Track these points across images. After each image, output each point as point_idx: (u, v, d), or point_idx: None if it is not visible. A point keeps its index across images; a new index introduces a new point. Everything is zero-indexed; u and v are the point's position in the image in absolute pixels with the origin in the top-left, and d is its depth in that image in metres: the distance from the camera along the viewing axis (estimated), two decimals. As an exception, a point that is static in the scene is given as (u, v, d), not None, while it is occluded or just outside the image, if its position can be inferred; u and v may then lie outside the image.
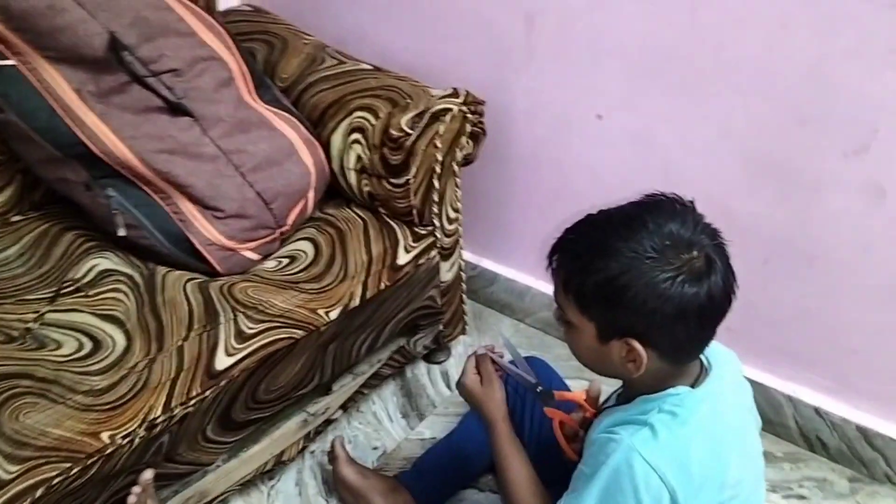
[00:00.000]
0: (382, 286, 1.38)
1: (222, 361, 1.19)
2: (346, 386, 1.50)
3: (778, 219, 1.33)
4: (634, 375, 0.92)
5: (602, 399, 1.20)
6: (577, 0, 1.36)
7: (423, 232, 1.47)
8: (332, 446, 1.41)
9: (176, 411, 1.13)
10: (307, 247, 1.42)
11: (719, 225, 0.90)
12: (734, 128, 1.30)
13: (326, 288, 1.33)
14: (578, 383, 1.38)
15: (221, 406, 1.23)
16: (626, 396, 1.02)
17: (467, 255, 1.69)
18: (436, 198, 1.44)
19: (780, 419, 1.49)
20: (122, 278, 1.30)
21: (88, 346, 1.16)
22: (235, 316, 1.24)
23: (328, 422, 1.50)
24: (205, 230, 1.34)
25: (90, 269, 1.31)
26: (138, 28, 1.30)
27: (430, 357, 1.70)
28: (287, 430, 1.42)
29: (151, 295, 1.27)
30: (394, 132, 1.40)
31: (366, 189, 1.47)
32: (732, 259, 0.90)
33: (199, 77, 1.36)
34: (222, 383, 1.19)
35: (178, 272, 1.35)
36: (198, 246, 1.34)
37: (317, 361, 1.36)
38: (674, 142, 1.38)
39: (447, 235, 1.51)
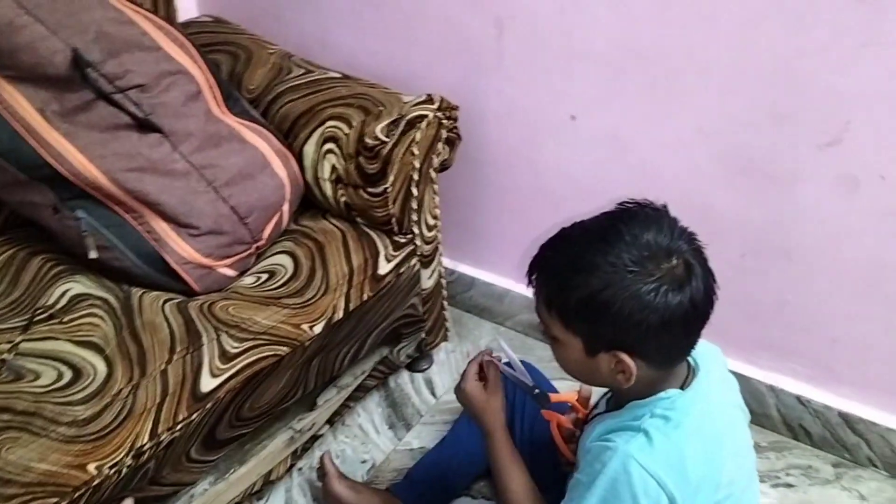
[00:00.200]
0: (365, 297, 1.37)
1: (208, 383, 1.16)
2: (330, 400, 1.48)
3: (754, 213, 1.35)
4: (625, 386, 0.92)
5: (591, 402, 1.20)
6: (547, 3, 1.36)
7: (403, 240, 1.45)
8: (321, 462, 1.39)
9: (163, 437, 1.10)
10: (286, 261, 1.39)
11: (697, 221, 0.91)
12: (708, 125, 1.31)
13: (309, 302, 1.31)
14: (563, 384, 1.38)
15: (207, 427, 1.20)
16: (616, 402, 1.02)
17: (444, 261, 1.68)
18: (414, 205, 1.43)
19: (763, 409, 1.51)
20: (97, 302, 1.26)
21: (68, 374, 1.12)
22: (218, 335, 1.21)
23: (314, 438, 1.48)
24: (180, 248, 1.31)
25: (62, 295, 1.27)
26: (102, 44, 1.26)
27: (412, 366, 1.69)
28: (274, 449, 1.39)
29: (129, 318, 1.23)
30: (369, 141, 1.38)
31: (342, 199, 1.45)
32: (711, 255, 0.90)
33: (167, 92, 1.32)
34: (208, 405, 1.16)
35: (154, 293, 1.31)
36: (173, 265, 1.31)
37: (301, 376, 1.34)
38: (648, 141, 1.39)
39: (427, 243, 1.50)
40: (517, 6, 1.40)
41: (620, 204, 0.92)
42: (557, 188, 1.55)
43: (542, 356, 1.66)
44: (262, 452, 1.38)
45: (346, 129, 1.42)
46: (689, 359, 0.98)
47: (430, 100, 1.38)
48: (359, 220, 1.47)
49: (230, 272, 1.37)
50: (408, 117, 1.36)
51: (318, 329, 1.29)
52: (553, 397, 1.25)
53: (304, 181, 1.48)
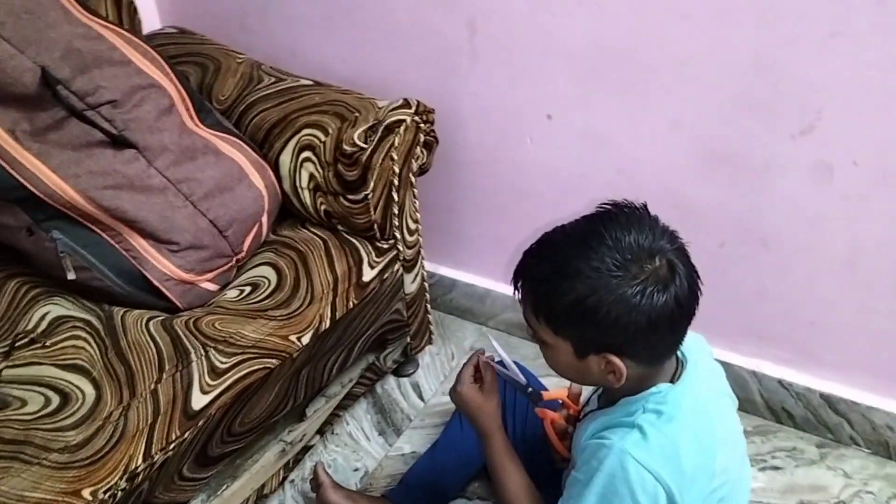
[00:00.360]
0: (351, 305, 1.36)
1: (199, 400, 1.14)
2: (320, 410, 1.47)
3: (732, 203, 1.37)
4: (616, 386, 0.94)
5: (582, 398, 1.21)
6: (519, 3, 1.37)
7: (386, 246, 1.45)
8: (315, 473, 1.38)
9: (156, 458, 1.09)
10: (269, 272, 1.38)
11: (675, 214, 0.92)
12: (684, 119, 1.33)
13: (295, 313, 1.30)
14: (550, 381, 1.39)
15: (199, 445, 1.18)
16: (607, 398, 1.04)
17: (425, 265, 1.68)
18: (396, 210, 1.43)
19: (746, 395, 1.54)
20: (78, 324, 1.24)
21: (56, 400, 1.09)
22: (207, 351, 1.20)
23: (306, 449, 1.47)
24: (160, 265, 1.29)
25: (42, 318, 1.24)
26: (71, 60, 1.23)
27: (398, 371, 1.69)
28: (266, 463, 1.38)
29: (114, 338, 1.21)
30: (347, 147, 1.37)
31: (322, 207, 1.44)
32: (691, 246, 0.92)
33: (139, 106, 1.30)
34: (200, 423, 1.14)
35: (136, 312, 1.29)
36: (155, 283, 1.29)
37: (290, 388, 1.33)
38: (626, 136, 1.40)
39: (409, 247, 1.50)
40: (489, 7, 1.40)
41: (600, 206, 0.93)
42: (536, 187, 1.56)
43: (526, 354, 1.67)
44: (253, 467, 1.36)
45: (323, 137, 1.41)
46: (678, 352, 0.99)
47: (406, 104, 1.38)
48: (340, 227, 1.46)
49: (212, 286, 1.36)
50: (386, 122, 1.35)
51: (306, 340, 1.28)
52: (545, 395, 1.26)
53: (282, 191, 1.47)
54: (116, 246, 1.27)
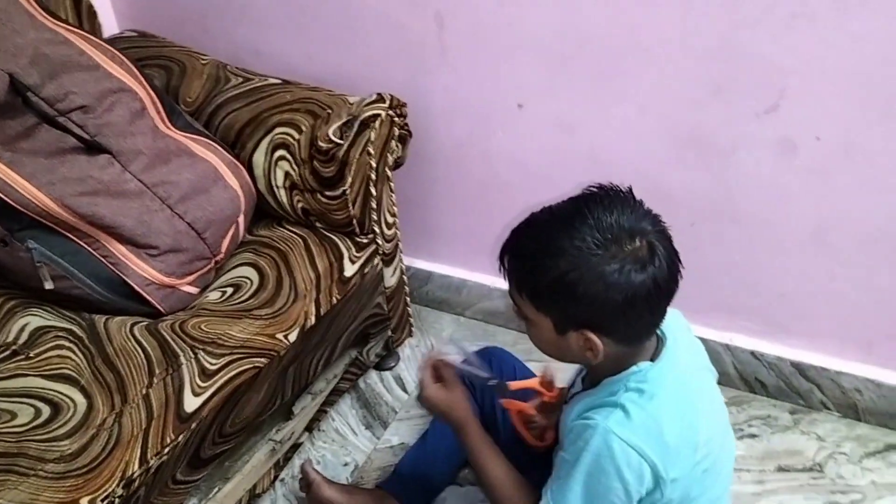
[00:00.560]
0: (334, 300, 1.37)
1: (191, 403, 1.14)
2: (307, 407, 1.47)
3: (701, 183, 1.41)
4: (594, 363, 0.97)
5: (568, 382, 1.24)
6: (486, -6, 1.39)
7: (365, 241, 1.46)
8: (303, 472, 1.38)
9: (151, 463, 1.08)
10: (250, 272, 1.38)
11: (647, 196, 0.95)
12: (653, 103, 1.37)
13: (280, 311, 1.30)
14: (532, 366, 1.43)
15: (192, 447, 1.18)
16: (591, 380, 1.06)
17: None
18: (374, 205, 1.44)
19: (720, 367, 1.58)
20: (61, 334, 1.22)
21: (46, 411, 1.08)
22: (196, 354, 1.19)
23: (295, 447, 1.47)
24: (141, 270, 1.28)
25: (22, 330, 1.22)
26: (39, 66, 1.21)
27: (380, 365, 1.69)
28: (257, 463, 1.38)
29: (99, 346, 1.20)
30: (322, 144, 1.37)
31: (299, 205, 1.44)
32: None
33: (111, 111, 1.28)
34: (193, 426, 1.14)
35: (117, 318, 1.27)
36: (137, 288, 1.27)
37: (278, 386, 1.33)
38: (596, 123, 1.44)
39: (387, 241, 1.51)
40: (456, 0, 1.42)
41: (587, 188, 0.95)
42: (508, 177, 1.59)
43: (504, 341, 1.70)
44: (244, 468, 1.36)
45: (297, 135, 1.41)
46: (658, 330, 1.01)
47: (381, 98, 1.39)
48: (318, 224, 1.46)
49: (192, 289, 1.35)
50: (361, 117, 1.36)
51: (292, 337, 1.28)
52: (513, 385, 1.28)
53: (257, 191, 1.46)
54: (94, 253, 1.25)
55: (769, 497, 1.42)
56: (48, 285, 1.24)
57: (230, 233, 1.40)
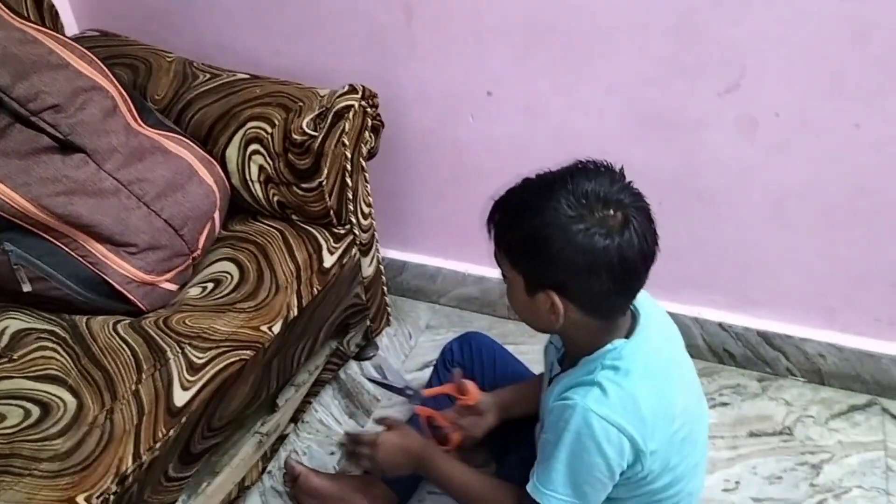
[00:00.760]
0: (315, 291, 1.38)
1: (181, 397, 1.14)
2: (291, 399, 1.48)
3: (666, 162, 1.46)
4: (556, 327, 1.00)
5: (549, 367, 1.26)
6: (453, -17, 1.41)
7: (342, 231, 1.47)
8: (288, 466, 1.39)
9: (144, 458, 1.08)
10: (229, 267, 1.38)
11: None
12: (617, 85, 1.41)
13: (263, 303, 1.31)
14: (509, 349, 1.47)
15: (183, 442, 1.18)
16: (570, 361, 1.09)
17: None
18: (350, 195, 1.45)
19: (690, 340, 1.64)
20: (43, 335, 1.21)
21: (36, 411, 1.07)
22: (182, 348, 1.19)
23: (281, 438, 1.48)
24: (121, 269, 1.27)
25: (2, 333, 1.21)
26: (9, 66, 1.20)
27: (359, 355, 1.71)
28: (245, 456, 1.38)
29: (84, 346, 1.19)
30: (297, 137, 1.38)
31: (275, 199, 1.45)
32: None
33: (83, 109, 1.27)
34: (183, 419, 1.14)
35: (98, 318, 1.27)
36: (117, 287, 1.27)
37: (264, 378, 1.34)
38: (563, 106, 1.47)
39: (364, 231, 1.52)
40: (423, -10, 1.44)
41: (580, 161, 0.99)
42: (479, 163, 1.62)
43: (480, 326, 1.73)
44: (233, 461, 1.37)
45: (270, 129, 1.42)
46: (632, 307, 1.05)
47: (353, 90, 1.40)
48: (294, 217, 1.47)
49: (171, 286, 1.35)
50: (335, 109, 1.38)
51: (276, 329, 1.29)
52: (428, 392, 1.36)
53: (231, 186, 1.47)
54: (73, 253, 1.25)
55: (743, 461, 1.47)
56: (26, 287, 1.23)
57: (207, 228, 1.40)
